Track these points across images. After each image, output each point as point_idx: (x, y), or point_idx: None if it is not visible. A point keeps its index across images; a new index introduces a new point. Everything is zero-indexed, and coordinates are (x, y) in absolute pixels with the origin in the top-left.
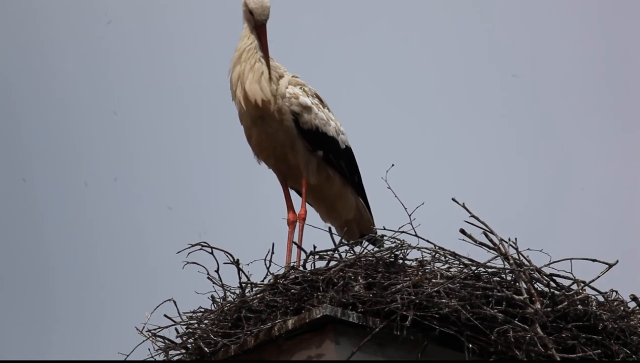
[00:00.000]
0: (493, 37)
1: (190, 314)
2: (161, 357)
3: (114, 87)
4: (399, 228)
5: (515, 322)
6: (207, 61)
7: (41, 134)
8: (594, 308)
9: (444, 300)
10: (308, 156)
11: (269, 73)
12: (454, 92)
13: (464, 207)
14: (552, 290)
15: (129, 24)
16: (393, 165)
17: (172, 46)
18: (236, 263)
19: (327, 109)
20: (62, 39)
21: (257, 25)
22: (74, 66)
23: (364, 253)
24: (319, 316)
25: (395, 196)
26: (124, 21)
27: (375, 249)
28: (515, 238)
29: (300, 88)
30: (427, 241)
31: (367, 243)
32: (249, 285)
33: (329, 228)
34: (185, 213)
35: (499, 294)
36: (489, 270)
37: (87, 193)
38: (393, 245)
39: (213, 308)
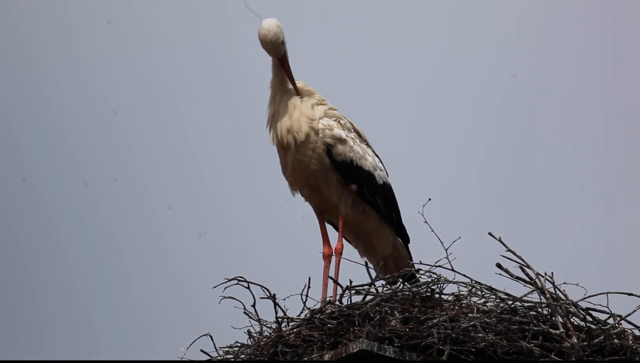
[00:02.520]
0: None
1: (227, 349)
2: None
3: (114, 87)
4: (436, 262)
5: (552, 356)
6: (208, 61)
7: (41, 134)
8: (631, 342)
9: (480, 335)
10: (341, 189)
11: (299, 102)
12: (488, 128)
13: (500, 241)
14: (588, 324)
15: (128, 24)
16: (430, 199)
17: (172, 46)
18: (272, 298)
19: (367, 144)
20: (62, 39)
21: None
22: (74, 66)
23: (400, 287)
24: (355, 350)
25: (432, 230)
26: (124, 21)
27: (412, 284)
28: (552, 273)
29: (336, 120)
30: (464, 275)
31: (401, 280)
32: (285, 319)
33: (365, 262)
34: (186, 213)
35: (535, 328)
36: (525, 304)
37: (87, 193)
38: (429, 279)
39: (249, 343)
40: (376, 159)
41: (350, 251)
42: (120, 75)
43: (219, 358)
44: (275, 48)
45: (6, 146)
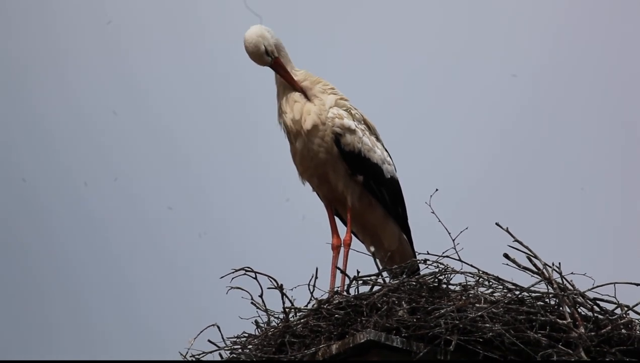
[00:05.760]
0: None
1: (234, 339)
2: None
3: (114, 86)
4: (443, 252)
5: (559, 346)
6: (209, 60)
7: (41, 134)
8: (638, 332)
9: (487, 325)
10: (348, 180)
11: (304, 97)
12: (494, 116)
13: (507, 231)
14: (595, 314)
15: (128, 23)
16: (437, 189)
17: (173, 46)
18: (280, 288)
19: (376, 137)
20: (62, 38)
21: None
22: (74, 66)
23: (406, 278)
24: (362, 341)
25: (439, 221)
26: (125, 21)
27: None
28: (559, 263)
29: (347, 110)
30: (471, 266)
31: (407, 271)
32: (292, 310)
33: (373, 253)
34: (186, 213)
35: (542, 318)
36: (533, 294)
37: (87, 193)
38: (437, 269)
39: (257, 333)
40: (385, 153)
41: (357, 243)
42: (120, 76)
43: (226, 348)
44: (258, 59)
45: (6, 146)
